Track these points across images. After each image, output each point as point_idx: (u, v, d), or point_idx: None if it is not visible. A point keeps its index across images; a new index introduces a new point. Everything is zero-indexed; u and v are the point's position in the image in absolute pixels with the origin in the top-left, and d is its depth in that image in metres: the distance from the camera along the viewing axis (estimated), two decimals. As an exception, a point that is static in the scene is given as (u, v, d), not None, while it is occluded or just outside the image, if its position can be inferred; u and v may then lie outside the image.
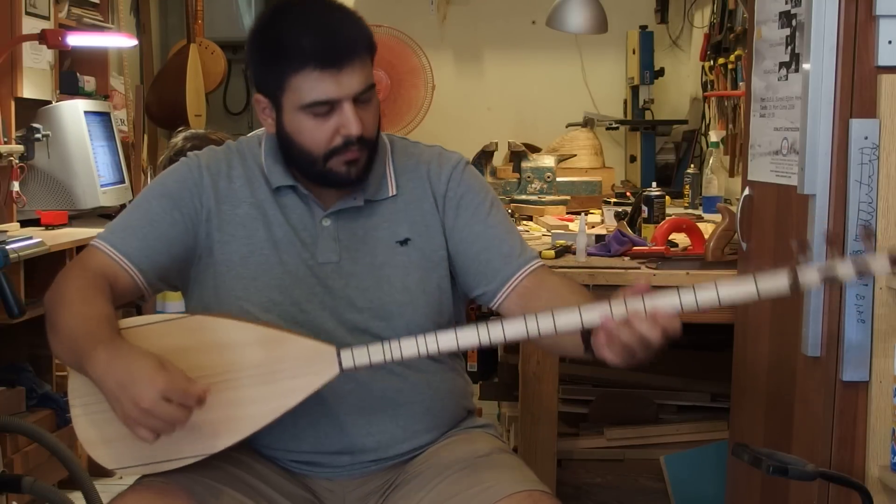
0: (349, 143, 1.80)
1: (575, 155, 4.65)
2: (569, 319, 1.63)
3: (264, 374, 1.71)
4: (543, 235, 3.35)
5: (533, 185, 4.10)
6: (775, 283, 1.56)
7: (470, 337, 1.67)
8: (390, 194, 1.91)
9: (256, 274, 1.84)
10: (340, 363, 1.70)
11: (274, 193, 1.89)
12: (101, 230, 1.93)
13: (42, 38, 3.68)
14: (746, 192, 2.35)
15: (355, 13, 1.85)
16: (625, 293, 1.60)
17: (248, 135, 2.02)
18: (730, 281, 1.58)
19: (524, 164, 4.14)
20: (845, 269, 1.54)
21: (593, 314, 1.61)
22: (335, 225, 1.88)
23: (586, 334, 1.68)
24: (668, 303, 1.59)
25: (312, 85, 1.77)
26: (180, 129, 3.36)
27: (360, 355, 1.70)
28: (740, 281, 1.58)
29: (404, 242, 1.89)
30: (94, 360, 1.65)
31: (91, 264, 1.83)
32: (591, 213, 3.85)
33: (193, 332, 1.74)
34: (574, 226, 3.25)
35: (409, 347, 1.68)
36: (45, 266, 3.28)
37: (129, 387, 1.60)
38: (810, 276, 1.55)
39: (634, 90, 5.20)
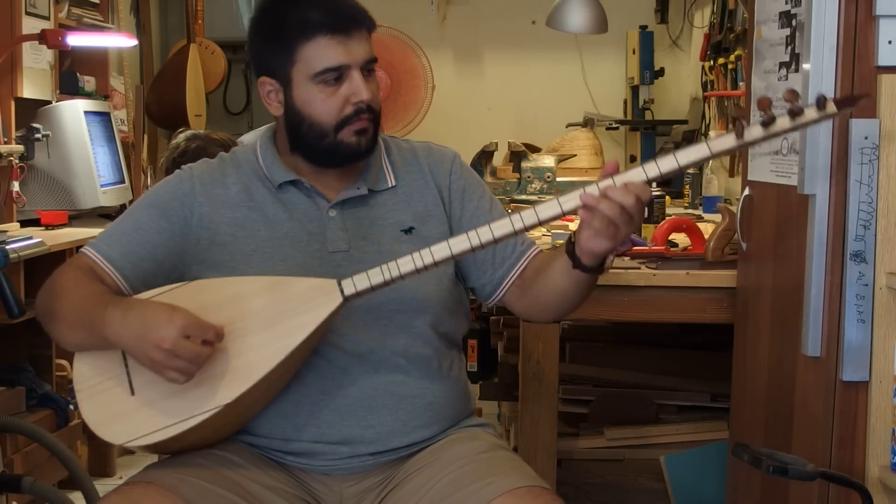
0: (360, 111, 1.86)
1: (575, 155, 4.65)
2: (550, 208, 1.72)
3: (270, 317, 1.75)
4: (543, 235, 3.35)
5: (533, 185, 4.10)
6: (724, 142, 1.68)
7: (461, 243, 1.74)
8: (390, 185, 1.96)
9: (260, 270, 1.86)
10: (342, 291, 1.75)
11: (275, 193, 1.92)
12: (101, 230, 1.96)
13: (42, 38, 3.68)
14: (746, 192, 2.35)
15: None
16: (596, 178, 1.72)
17: (242, 144, 2.05)
18: (686, 148, 1.71)
19: (524, 164, 4.14)
20: (782, 120, 1.67)
21: (570, 197, 1.70)
22: (341, 215, 1.92)
23: (571, 248, 1.77)
24: (634, 173, 1.69)
25: (323, 52, 1.84)
26: (181, 129, 3.36)
27: (361, 280, 1.75)
28: (695, 146, 1.70)
29: (408, 231, 1.93)
30: (107, 321, 1.73)
31: (79, 264, 1.90)
32: (591, 213, 3.84)
33: (195, 295, 1.78)
34: (574, 226, 3.25)
35: (406, 264, 1.74)
36: (45, 266, 3.28)
37: (148, 334, 1.68)
38: (754, 130, 1.67)
39: (634, 90, 5.20)
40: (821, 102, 1.65)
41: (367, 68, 1.88)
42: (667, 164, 1.69)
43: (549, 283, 1.88)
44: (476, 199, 1.99)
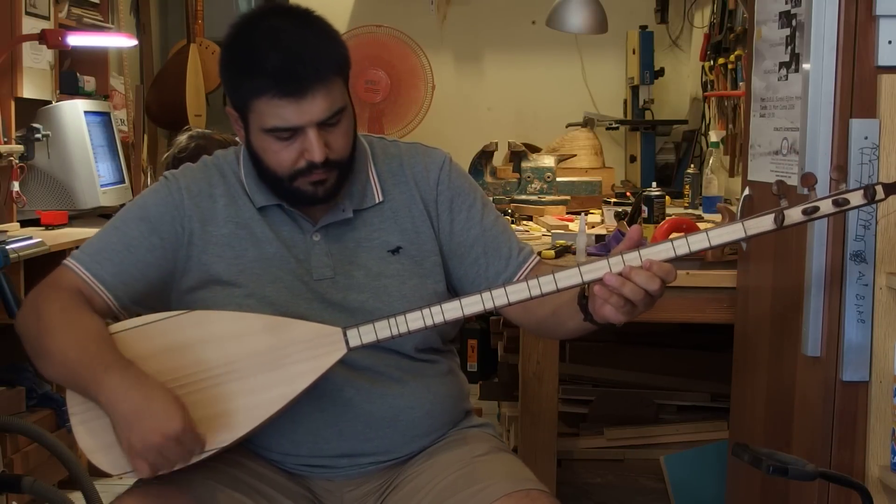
0: (313, 167, 1.77)
1: (575, 155, 4.65)
2: (570, 277, 1.65)
3: (271, 360, 1.70)
4: (543, 235, 3.35)
5: (533, 185, 4.09)
6: (761, 224, 1.62)
7: (474, 304, 1.68)
8: (377, 201, 1.89)
9: (249, 291, 1.82)
10: (347, 342, 1.70)
11: (260, 211, 1.87)
12: (87, 240, 1.90)
13: (42, 38, 3.68)
14: (746, 192, 2.34)
15: (330, 30, 1.80)
16: (619, 248, 1.64)
17: (225, 150, 1.96)
18: (719, 227, 1.65)
19: (524, 164, 4.14)
20: (825, 205, 1.61)
21: (593, 269, 1.63)
22: (326, 239, 1.86)
23: (583, 302, 1.70)
24: (662, 249, 1.63)
25: (273, 111, 1.73)
26: (186, 127, 3.36)
27: (367, 332, 1.70)
28: (730, 226, 1.64)
29: (395, 251, 1.87)
30: (105, 384, 1.65)
31: (64, 284, 1.81)
32: (591, 213, 3.85)
33: (193, 327, 1.73)
34: (574, 226, 3.25)
35: (416, 320, 1.68)
36: (45, 266, 3.27)
37: (146, 418, 1.62)
38: (793, 215, 1.61)
39: (634, 90, 5.20)
40: (869, 192, 1.60)
41: (330, 122, 1.76)
42: (698, 242, 1.64)
43: (558, 324, 1.83)
44: (466, 208, 1.92)
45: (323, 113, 1.74)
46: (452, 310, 1.68)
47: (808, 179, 1.63)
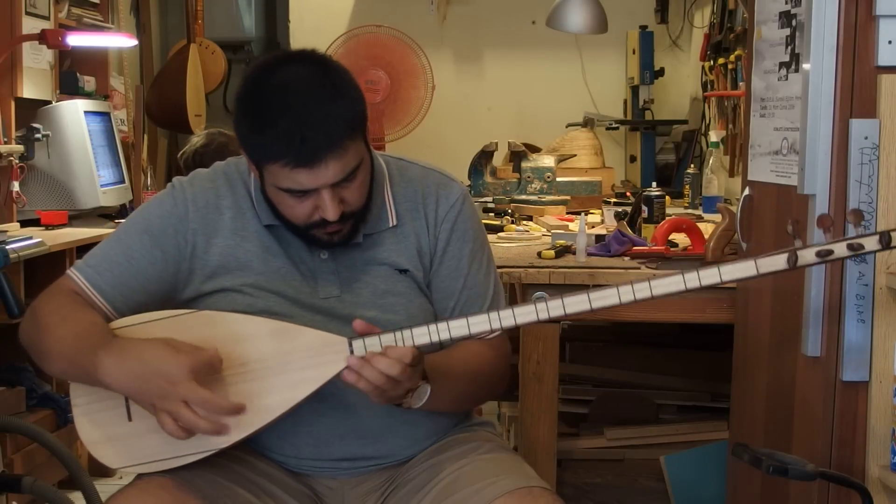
0: (328, 222, 1.76)
1: (575, 155, 4.65)
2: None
3: (275, 365, 1.70)
4: (543, 235, 3.35)
5: (533, 185, 4.09)
6: (774, 263, 1.65)
7: (481, 323, 1.69)
8: (391, 224, 1.88)
9: (251, 303, 1.81)
10: (352, 352, 1.70)
11: (268, 227, 1.86)
12: (101, 231, 1.92)
13: (42, 38, 3.69)
14: (746, 192, 2.35)
15: (345, 83, 1.74)
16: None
17: (239, 157, 1.92)
18: (731, 264, 1.67)
19: (524, 164, 4.14)
20: (839, 248, 1.62)
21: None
22: (333, 258, 1.85)
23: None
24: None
25: (286, 175, 1.71)
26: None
27: (372, 345, 1.69)
28: (743, 262, 1.65)
29: (404, 272, 1.87)
30: (101, 367, 1.66)
31: (62, 290, 1.83)
32: (591, 213, 3.85)
33: (199, 327, 1.73)
34: (574, 226, 3.25)
35: (421, 335, 1.68)
36: (45, 266, 3.28)
37: (154, 376, 1.62)
38: (806, 256, 1.64)
39: (634, 90, 5.20)
40: (884, 238, 1.61)
41: (345, 179, 1.74)
42: (709, 277, 1.67)
43: None
44: (457, 258, 1.89)
45: (337, 176, 1.72)
46: (459, 328, 1.69)
47: (824, 221, 1.64)
